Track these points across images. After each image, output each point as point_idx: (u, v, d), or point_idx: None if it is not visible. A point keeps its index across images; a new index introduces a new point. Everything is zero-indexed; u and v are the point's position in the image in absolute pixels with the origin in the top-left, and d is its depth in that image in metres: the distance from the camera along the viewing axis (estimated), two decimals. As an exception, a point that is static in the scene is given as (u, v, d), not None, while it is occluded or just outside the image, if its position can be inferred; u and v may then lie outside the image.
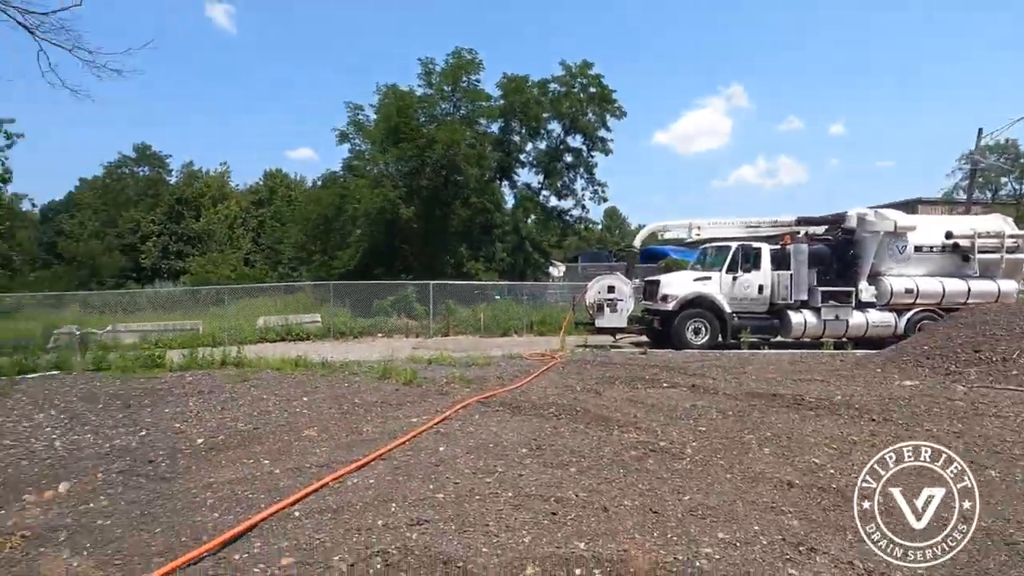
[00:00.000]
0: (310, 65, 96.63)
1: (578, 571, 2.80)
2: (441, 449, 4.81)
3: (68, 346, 12.76)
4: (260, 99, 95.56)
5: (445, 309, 17.67)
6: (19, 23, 9.59)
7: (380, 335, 16.83)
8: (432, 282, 17.94)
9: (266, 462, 4.62)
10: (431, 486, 3.97)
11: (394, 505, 3.64)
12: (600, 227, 46.23)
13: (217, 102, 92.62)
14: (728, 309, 12.93)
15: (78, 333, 13.83)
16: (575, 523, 3.34)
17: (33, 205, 36.07)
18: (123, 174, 48.43)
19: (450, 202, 23.27)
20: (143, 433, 5.43)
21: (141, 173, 48.84)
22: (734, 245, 13.33)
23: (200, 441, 5.15)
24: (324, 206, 24.32)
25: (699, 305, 12.92)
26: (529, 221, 25.94)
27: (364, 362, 9.58)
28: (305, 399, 6.87)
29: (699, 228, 14.84)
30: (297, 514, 3.53)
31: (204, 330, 15.62)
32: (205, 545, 3.08)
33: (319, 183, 32.87)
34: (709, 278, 13.18)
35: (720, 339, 12.84)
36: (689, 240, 15.55)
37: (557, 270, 29.16)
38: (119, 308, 18.65)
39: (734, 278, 13.05)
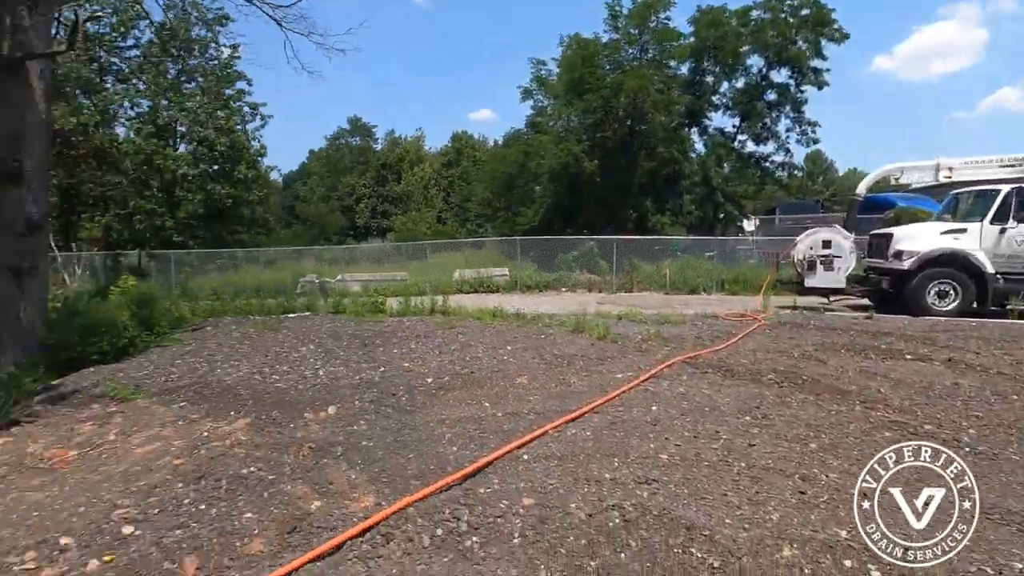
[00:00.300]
0: (491, 28, 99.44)
1: (847, 563, 2.47)
2: (654, 408, 4.68)
3: (311, 292, 15.31)
4: (447, 64, 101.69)
5: (628, 265, 17.31)
6: (271, 17, 11.23)
7: (564, 289, 17.13)
8: (615, 237, 17.67)
9: (487, 404, 4.96)
10: (651, 445, 3.87)
11: (616, 460, 3.63)
12: (801, 174, 40.59)
13: (412, 72, 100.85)
14: (990, 269, 10.40)
15: (317, 281, 16.53)
16: (829, 507, 2.97)
17: (280, 174, 43.70)
18: (341, 145, 56.06)
19: (635, 153, 22.33)
20: (382, 370, 6.24)
21: (354, 143, 56.00)
22: (1005, 188, 10.55)
23: (429, 380, 5.74)
24: (508, 164, 25.11)
25: (947, 264, 10.60)
26: (721, 169, 23.81)
27: (554, 315, 9.78)
28: (508, 348, 7.24)
29: (950, 169, 12.15)
30: (525, 457, 3.72)
31: (410, 281, 17.49)
32: (452, 475, 3.39)
33: (500, 142, 34.10)
34: (964, 230, 10.71)
35: (975, 305, 10.49)
36: (934, 184, 12.79)
37: (750, 223, 26.56)
38: (343, 260, 21.80)
39: (1002, 230, 10.42)
